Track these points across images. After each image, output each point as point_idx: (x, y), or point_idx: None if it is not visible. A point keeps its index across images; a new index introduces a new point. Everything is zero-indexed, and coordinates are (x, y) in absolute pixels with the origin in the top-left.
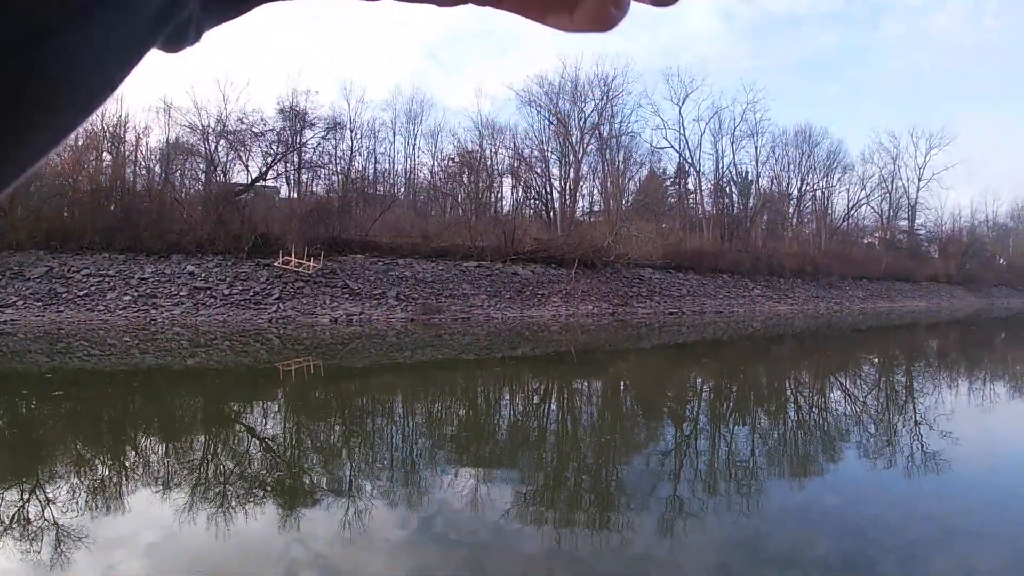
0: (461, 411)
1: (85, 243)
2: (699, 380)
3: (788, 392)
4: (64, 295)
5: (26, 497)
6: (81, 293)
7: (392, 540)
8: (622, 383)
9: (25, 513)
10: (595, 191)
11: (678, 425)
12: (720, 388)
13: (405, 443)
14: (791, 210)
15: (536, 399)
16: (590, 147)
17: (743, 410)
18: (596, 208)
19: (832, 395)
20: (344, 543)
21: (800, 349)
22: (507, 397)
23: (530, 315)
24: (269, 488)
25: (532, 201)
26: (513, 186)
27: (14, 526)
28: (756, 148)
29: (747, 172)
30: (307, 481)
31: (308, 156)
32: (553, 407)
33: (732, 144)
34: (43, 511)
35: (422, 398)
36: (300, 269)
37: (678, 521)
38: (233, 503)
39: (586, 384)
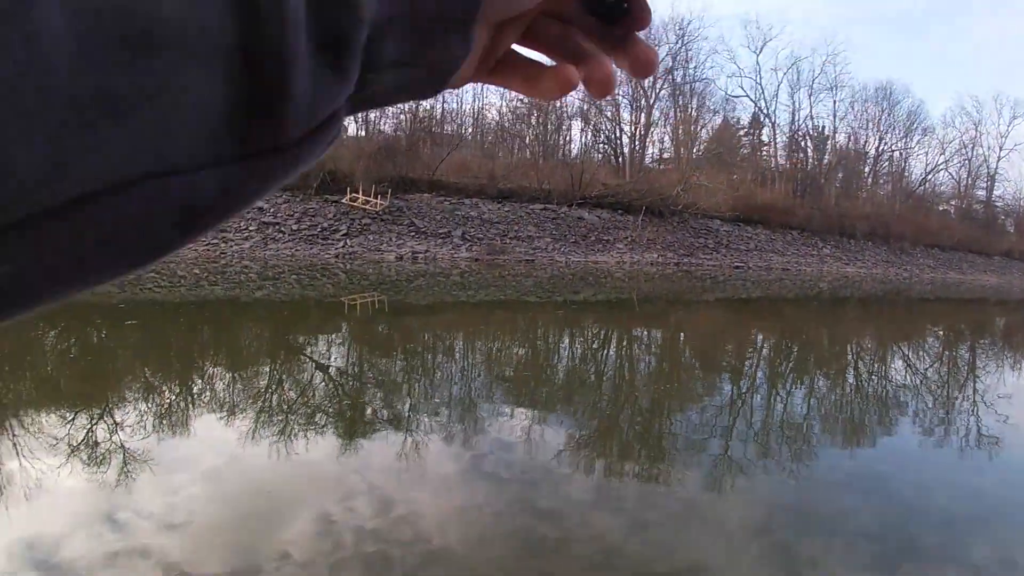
0: (520, 352)
1: None
2: (760, 337)
3: (849, 357)
4: None
5: (95, 421)
6: None
7: (444, 474)
8: (682, 335)
9: (94, 436)
10: (666, 138)
11: (734, 381)
12: (780, 347)
13: (463, 380)
14: (867, 170)
15: (595, 344)
16: (662, 92)
17: (801, 371)
18: (666, 155)
19: (893, 365)
20: (398, 473)
21: (866, 315)
22: (566, 341)
23: (594, 260)
24: (329, 418)
25: (601, 145)
26: (582, 129)
27: (83, 448)
28: (834, 102)
29: (823, 127)
30: (366, 413)
31: None
32: (611, 353)
33: (810, 96)
34: (111, 435)
35: (482, 337)
36: (367, 206)
37: (726, 476)
38: (294, 431)
39: (645, 332)
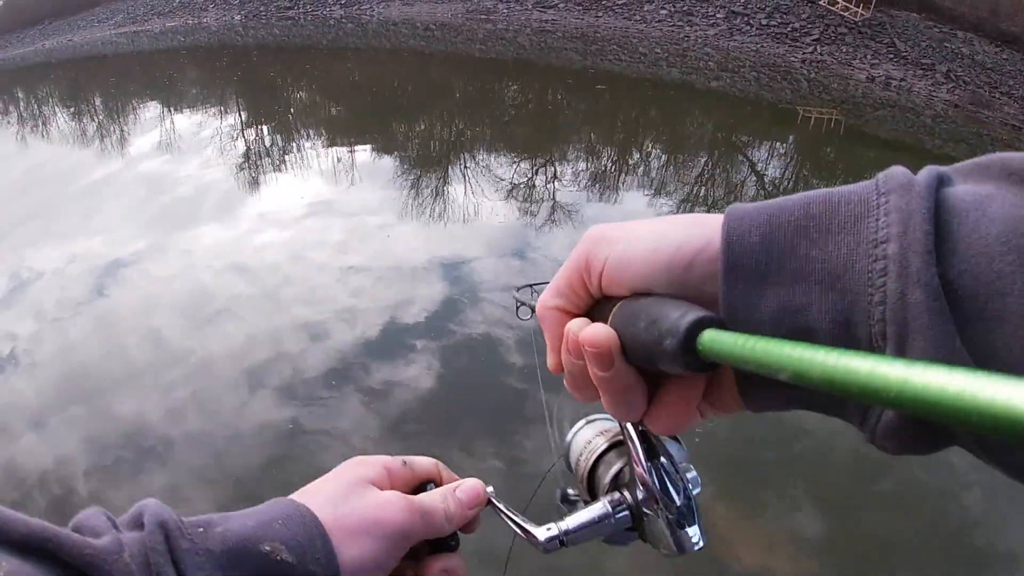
0: None
1: None
2: None
3: None
4: (604, 2)
5: (537, 169)
6: (620, 1)
7: None
8: None
9: (532, 182)
10: None
11: None
12: None
13: None
14: None
15: None
16: None
17: None
18: None
19: None
20: None
21: None
22: None
23: None
24: None
25: None
26: None
27: (521, 190)
28: None
29: None
30: None
31: None
32: None
33: None
34: (547, 184)
35: None
36: (847, 13)
37: None
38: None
39: None
